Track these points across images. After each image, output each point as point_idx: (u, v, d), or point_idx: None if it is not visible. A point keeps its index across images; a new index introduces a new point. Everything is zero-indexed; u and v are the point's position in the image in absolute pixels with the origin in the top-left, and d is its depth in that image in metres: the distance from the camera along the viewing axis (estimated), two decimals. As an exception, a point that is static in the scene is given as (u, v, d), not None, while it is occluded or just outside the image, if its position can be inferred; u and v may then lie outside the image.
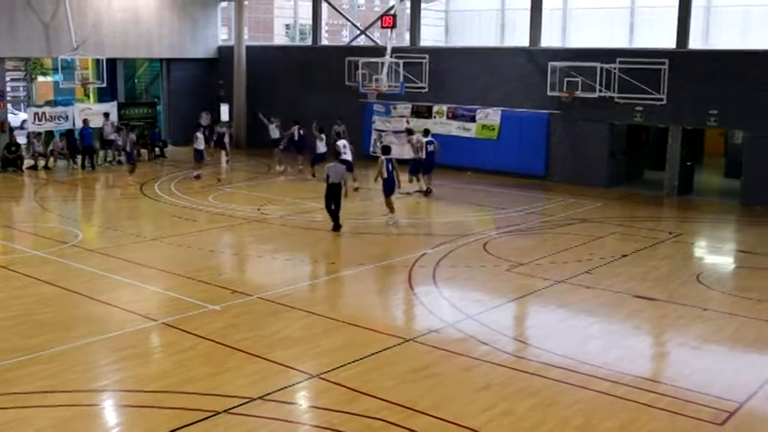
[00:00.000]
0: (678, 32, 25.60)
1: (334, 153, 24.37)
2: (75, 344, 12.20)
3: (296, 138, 28.91)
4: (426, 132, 25.98)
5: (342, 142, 25.35)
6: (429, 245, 18.80)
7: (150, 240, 19.48)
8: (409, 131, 27.11)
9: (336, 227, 20.02)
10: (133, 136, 28.09)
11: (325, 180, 20.07)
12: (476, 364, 11.61)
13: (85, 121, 31.03)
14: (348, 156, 24.66)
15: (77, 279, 15.75)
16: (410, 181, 25.76)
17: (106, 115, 32.14)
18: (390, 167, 20.92)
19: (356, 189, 24.96)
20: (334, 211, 20.01)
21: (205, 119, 34.25)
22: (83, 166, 30.23)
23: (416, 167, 25.40)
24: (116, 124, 31.94)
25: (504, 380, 11.06)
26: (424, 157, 25.11)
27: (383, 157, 21.23)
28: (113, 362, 11.70)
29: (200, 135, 27.34)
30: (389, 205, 21.11)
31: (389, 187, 21.03)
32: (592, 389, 10.76)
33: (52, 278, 15.68)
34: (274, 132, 29.37)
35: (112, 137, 31.33)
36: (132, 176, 27.11)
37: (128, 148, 27.65)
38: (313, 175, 26.98)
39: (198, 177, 27.10)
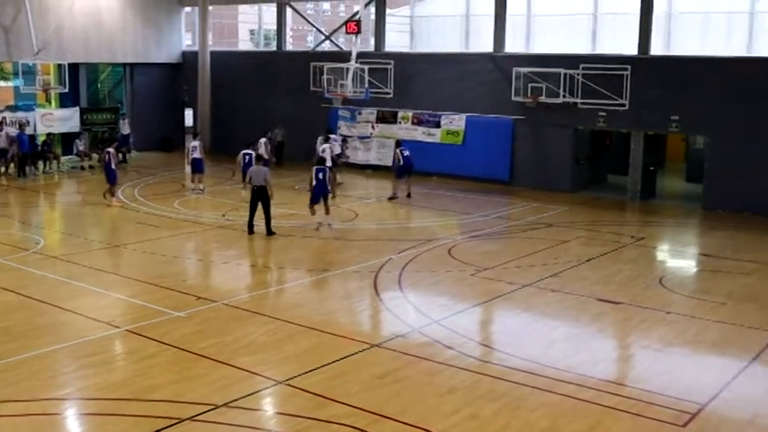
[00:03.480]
0: (640, 39, 25.88)
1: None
2: (37, 352, 12.05)
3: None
4: (398, 143, 26.50)
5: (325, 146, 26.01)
6: (394, 250, 18.80)
7: (114, 247, 19.29)
8: (326, 139, 27.61)
9: (269, 232, 20.15)
10: (113, 150, 24.70)
11: (249, 183, 20.42)
12: (441, 369, 11.63)
13: (21, 126, 30.32)
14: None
15: (39, 286, 15.56)
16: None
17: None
18: (321, 176, 20.83)
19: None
20: (265, 219, 20.13)
21: (124, 126, 34.03)
22: (19, 174, 29.24)
23: (401, 173, 25.62)
24: (12, 135, 30.14)
25: (470, 384, 11.09)
26: (402, 163, 25.43)
27: (314, 168, 21.18)
28: (76, 370, 11.57)
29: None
30: (312, 210, 21.08)
31: (316, 195, 20.88)
32: (557, 392, 10.83)
33: (13, 286, 15.46)
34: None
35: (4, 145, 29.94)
36: (116, 198, 24.38)
37: (113, 165, 24.12)
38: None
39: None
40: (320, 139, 27.50)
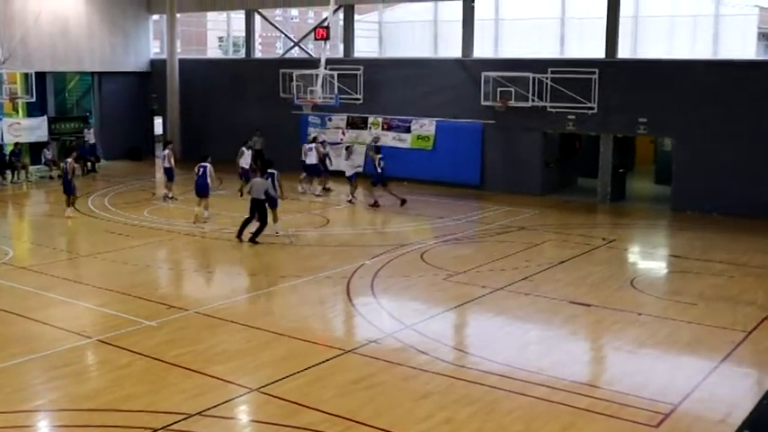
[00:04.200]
0: (607, 42, 26.12)
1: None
2: (7, 363, 11.91)
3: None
4: (378, 148, 26.38)
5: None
6: (367, 256, 18.79)
7: (84, 257, 19.13)
8: (314, 139, 28.47)
9: (253, 240, 20.03)
10: (71, 161, 23.97)
11: (248, 194, 20.41)
12: (415, 374, 11.64)
13: None
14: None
15: (9, 297, 15.37)
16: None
17: None
18: (268, 180, 20.73)
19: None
20: (258, 227, 20.05)
21: (88, 135, 33.72)
22: None
23: (377, 180, 25.53)
24: None
25: (444, 388, 11.10)
26: (380, 170, 25.39)
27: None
28: (47, 381, 11.44)
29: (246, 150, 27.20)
30: (274, 216, 20.99)
31: (271, 200, 20.80)
32: (530, 395, 10.87)
33: (-18, 297, 15.29)
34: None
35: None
36: (71, 209, 23.73)
37: (69, 176, 23.47)
38: (240, 193, 25.76)
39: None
40: (314, 146, 27.71)
